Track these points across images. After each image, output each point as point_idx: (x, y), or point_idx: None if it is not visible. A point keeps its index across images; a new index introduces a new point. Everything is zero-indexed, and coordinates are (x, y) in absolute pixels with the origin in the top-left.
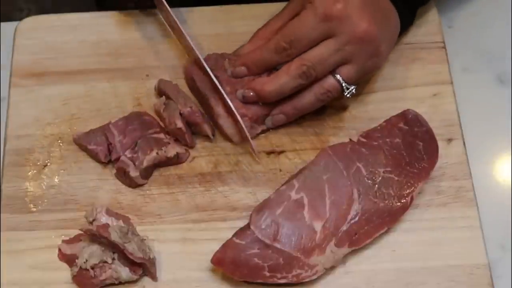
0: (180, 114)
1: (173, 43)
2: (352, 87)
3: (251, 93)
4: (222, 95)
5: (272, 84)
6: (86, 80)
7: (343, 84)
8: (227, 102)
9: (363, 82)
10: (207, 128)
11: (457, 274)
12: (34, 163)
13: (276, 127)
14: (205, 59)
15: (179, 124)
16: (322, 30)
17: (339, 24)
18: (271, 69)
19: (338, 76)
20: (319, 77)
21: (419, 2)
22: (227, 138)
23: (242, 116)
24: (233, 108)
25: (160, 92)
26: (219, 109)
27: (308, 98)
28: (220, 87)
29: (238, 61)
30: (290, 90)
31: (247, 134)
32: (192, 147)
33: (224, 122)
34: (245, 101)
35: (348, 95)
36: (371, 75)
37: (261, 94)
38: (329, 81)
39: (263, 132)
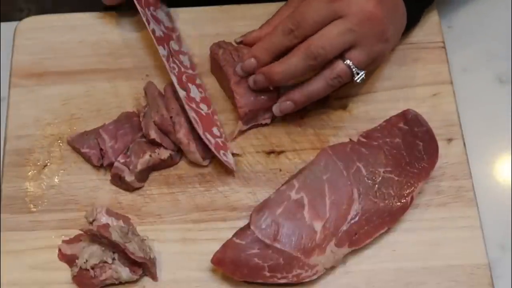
0: (154, 123)
1: None
2: (362, 73)
3: (261, 77)
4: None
5: (280, 65)
6: (86, 80)
7: (353, 69)
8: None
9: (363, 82)
10: (181, 137)
11: (457, 274)
12: (34, 163)
13: (276, 127)
14: (214, 48)
15: (153, 134)
16: (329, 10)
17: (346, 4)
18: (280, 54)
19: (348, 61)
20: (328, 57)
21: (427, 1)
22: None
23: (240, 107)
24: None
25: (145, 94)
26: (180, 135)
27: (317, 84)
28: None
29: (246, 54)
30: (298, 72)
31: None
32: (176, 150)
33: (187, 148)
34: (256, 86)
35: (358, 80)
36: (378, 63)
37: (271, 76)
38: (339, 66)
39: (255, 126)
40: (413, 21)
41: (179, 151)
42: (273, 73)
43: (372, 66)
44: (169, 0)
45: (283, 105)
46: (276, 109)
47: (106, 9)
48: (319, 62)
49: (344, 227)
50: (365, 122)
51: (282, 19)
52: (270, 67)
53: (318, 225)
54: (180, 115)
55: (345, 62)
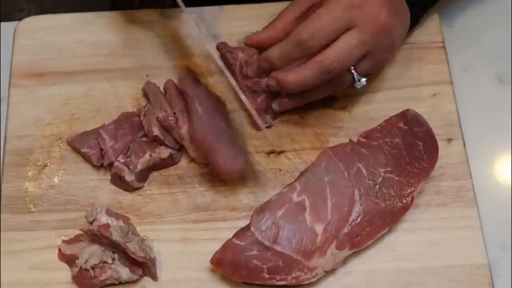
0: (157, 119)
1: (173, 43)
2: (364, 79)
3: (274, 83)
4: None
5: (295, 76)
6: (86, 80)
7: (355, 76)
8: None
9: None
10: (184, 133)
11: (457, 274)
12: (34, 163)
13: (276, 127)
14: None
15: (156, 131)
16: (344, 19)
17: (361, 13)
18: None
19: (351, 68)
20: (342, 71)
21: (428, 4)
22: None
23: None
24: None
25: (144, 94)
26: (183, 131)
27: (317, 88)
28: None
29: (261, 56)
30: (311, 84)
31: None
32: (177, 149)
33: (188, 145)
34: (269, 89)
35: (359, 87)
36: (380, 68)
37: (283, 84)
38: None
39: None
40: (414, 23)
41: (180, 150)
42: (286, 82)
43: (374, 71)
44: (170, 0)
45: (282, 102)
46: (275, 105)
47: (106, 9)
48: (332, 76)
49: (346, 229)
50: (365, 122)
51: (292, 25)
52: (284, 76)
53: (319, 228)
54: (183, 111)
55: (348, 69)
